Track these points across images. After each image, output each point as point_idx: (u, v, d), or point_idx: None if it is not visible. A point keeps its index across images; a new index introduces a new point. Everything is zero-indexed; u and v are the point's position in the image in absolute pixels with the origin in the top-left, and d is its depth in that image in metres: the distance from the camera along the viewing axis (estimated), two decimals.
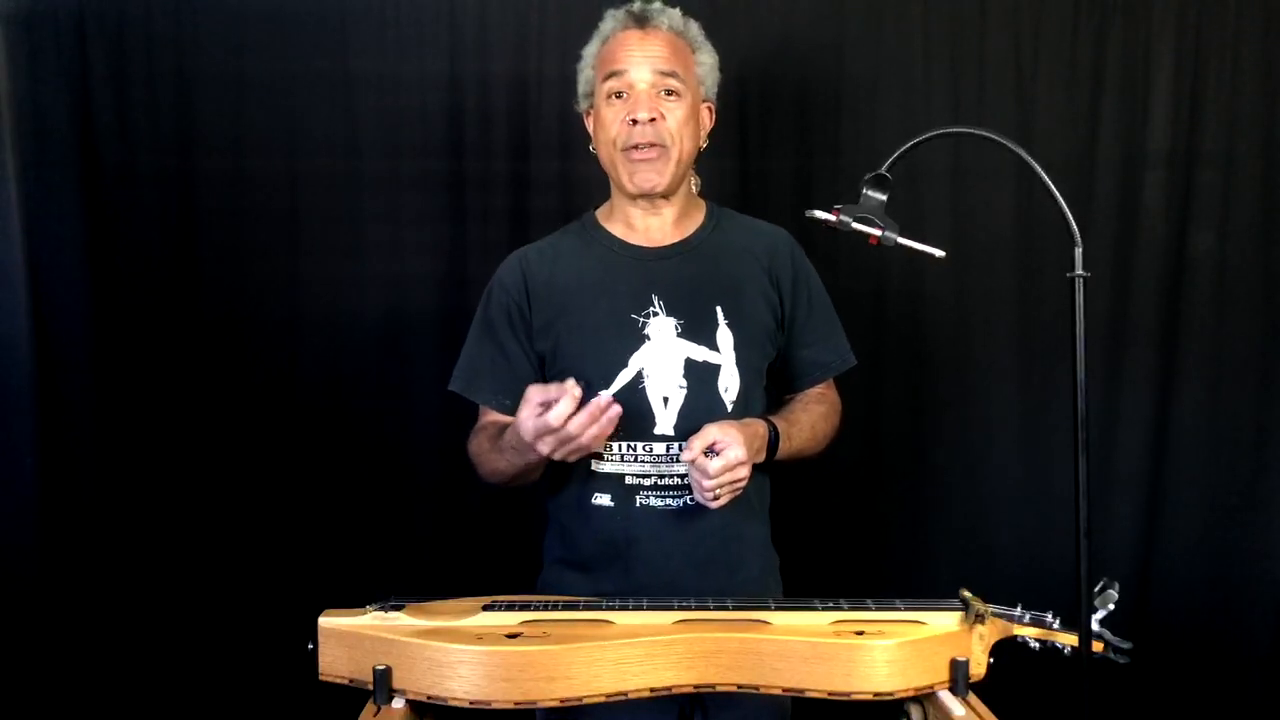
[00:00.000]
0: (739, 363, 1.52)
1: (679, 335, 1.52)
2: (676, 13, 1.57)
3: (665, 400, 1.50)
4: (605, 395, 1.35)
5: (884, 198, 1.31)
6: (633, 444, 1.50)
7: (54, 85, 2.00)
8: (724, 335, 1.53)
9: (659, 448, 1.50)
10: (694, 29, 1.58)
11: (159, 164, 2.06)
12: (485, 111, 2.12)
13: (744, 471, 1.39)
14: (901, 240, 1.31)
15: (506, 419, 1.54)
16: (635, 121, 1.50)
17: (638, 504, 1.51)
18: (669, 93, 1.52)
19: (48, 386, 2.00)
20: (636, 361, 1.50)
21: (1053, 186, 1.20)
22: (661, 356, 1.51)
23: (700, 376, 1.51)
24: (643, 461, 1.51)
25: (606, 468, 1.52)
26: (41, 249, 1.99)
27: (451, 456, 2.12)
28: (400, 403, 2.13)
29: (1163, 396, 2.20)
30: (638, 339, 1.51)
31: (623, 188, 1.56)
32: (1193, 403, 2.19)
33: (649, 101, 1.51)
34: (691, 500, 1.50)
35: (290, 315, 2.12)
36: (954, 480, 2.23)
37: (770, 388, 1.63)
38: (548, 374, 1.58)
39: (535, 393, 1.35)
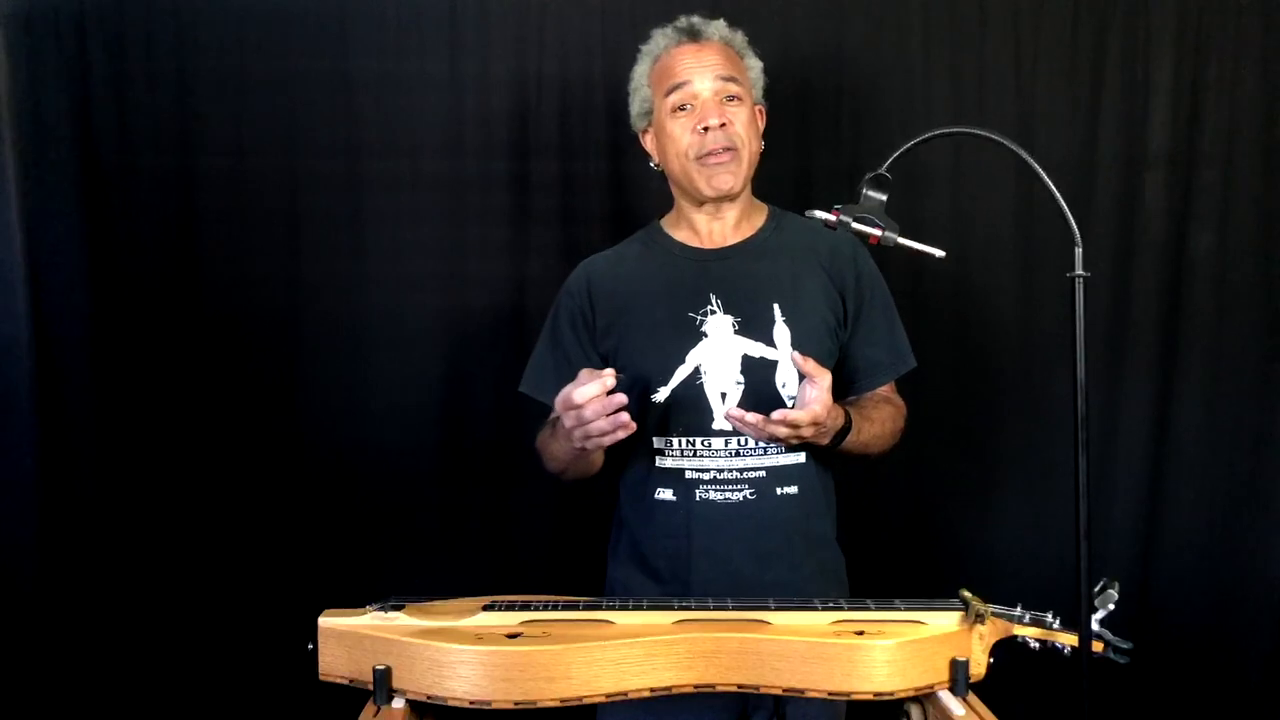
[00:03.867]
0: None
1: (736, 332, 1.56)
2: (723, 23, 1.63)
3: (723, 396, 1.54)
4: (608, 376, 1.35)
5: (884, 198, 1.31)
6: (691, 439, 1.55)
7: (54, 85, 2.00)
8: (781, 331, 1.56)
9: (717, 442, 1.54)
10: (740, 37, 1.64)
11: (159, 164, 2.06)
12: (485, 111, 2.12)
13: (809, 432, 1.41)
14: (901, 240, 1.31)
15: None
16: (706, 129, 1.55)
17: (698, 498, 1.55)
18: (731, 98, 1.58)
19: (48, 386, 2.00)
20: (694, 358, 1.55)
21: (1053, 186, 1.20)
22: (719, 353, 1.55)
23: (758, 372, 1.55)
24: (701, 456, 1.55)
25: (668, 463, 1.57)
26: (41, 249, 1.99)
27: (452, 456, 2.13)
28: (401, 402, 2.13)
29: (1163, 396, 2.20)
30: (695, 336, 1.56)
31: (698, 193, 1.60)
32: (1193, 403, 2.19)
33: (716, 108, 1.56)
34: (752, 494, 1.53)
35: (290, 315, 2.11)
36: (954, 480, 2.23)
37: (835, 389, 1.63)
38: None
39: (584, 374, 1.39)
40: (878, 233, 1.31)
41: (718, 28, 1.61)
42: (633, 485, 1.63)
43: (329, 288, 2.11)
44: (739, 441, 1.53)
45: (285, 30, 2.06)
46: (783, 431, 1.39)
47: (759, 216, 1.68)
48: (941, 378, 2.20)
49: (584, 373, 1.40)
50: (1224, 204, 2.17)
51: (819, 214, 1.31)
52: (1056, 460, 2.17)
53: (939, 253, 1.30)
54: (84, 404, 2.04)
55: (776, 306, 1.57)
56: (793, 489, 1.56)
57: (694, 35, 1.60)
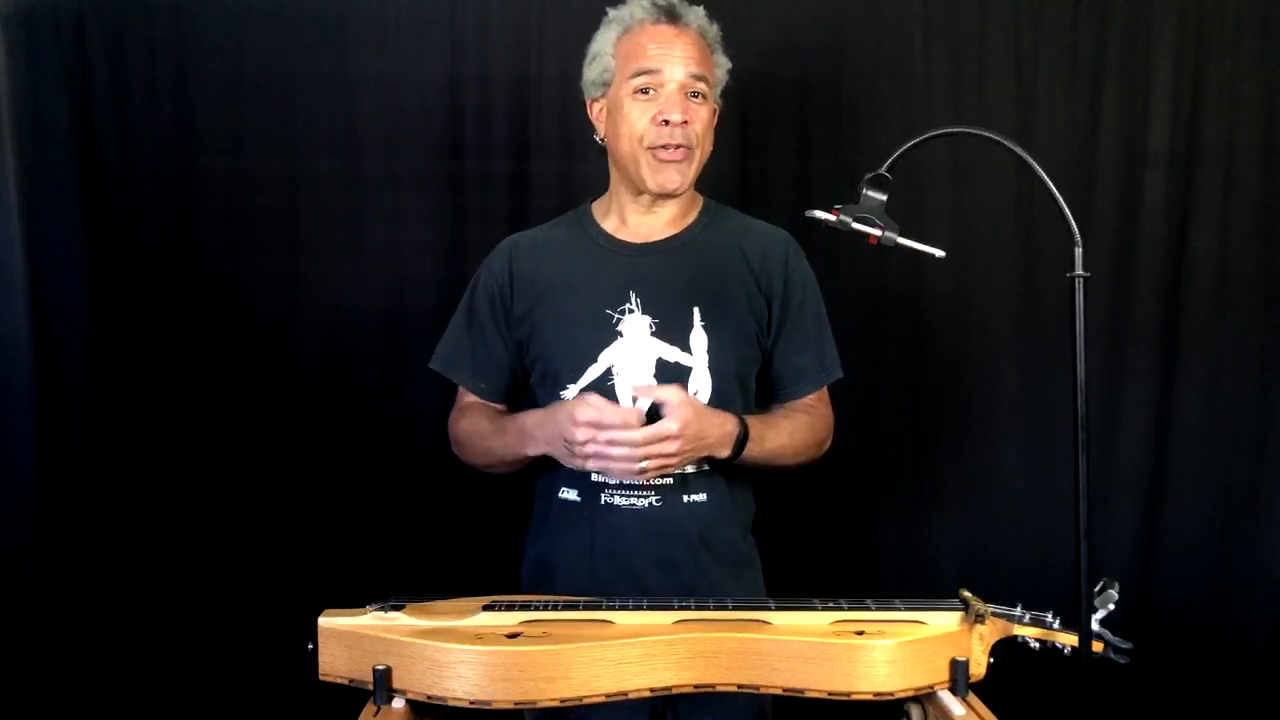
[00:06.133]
0: (712, 366, 1.50)
1: (653, 334, 1.50)
2: (702, 12, 1.55)
3: (634, 399, 1.48)
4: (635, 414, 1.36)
5: (884, 198, 1.31)
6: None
7: (54, 85, 2.00)
8: (698, 337, 1.51)
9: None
10: (715, 30, 1.57)
11: (159, 164, 2.06)
12: (485, 111, 2.12)
13: (671, 447, 1.37)
14: (901, 240, 1.31)
15: (487, 405, 1.61)
16: (667, 122, 1.48)
17: (603, 501, 1.50)
18: (696, 95, 1.51)
19: (47, 386, 2.00)
20: (607, 358, 1.50)
21: (1053, 186, 1.20)
22: (633, 354, 1.50)
23: (671, 377, 1.49)
24: None
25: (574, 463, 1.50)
26: (41, 249, 1.99)
27: (451, 456, 2.13)
28: (400, 402, 2.13)
29: (1163, 396, 2.20)
30: (610, 335, 1.51)
31: (640, 184, 1.53)
32: (1193, 403, 2.19)
33: (681, 103, 1.49)
34: (658, 500, 1.49)
35: (290, 315, 2.12)
36: (954, 480, 2.23)
37: (760, 396, 1.61)
38: (525, 360, 1.60)
39: (601, 401, 1.37)
40: (878, 233, 1.30)
41: (697, 16, 1.53)
42: (543, 483, 1.59)
43: (328, 287, 2.11)
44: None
45: (285, 30, 2.07)
46: (647, 461, 1.37)
47: (693, 212, 1.60)
48: (941, 377, 2.20)
49: (600, 399, 1.37)
50: (1224, 204, 2.17)
51: (819, 214, 1.31)
52: (1056, 459, 2.18)
53: (939, 253, 1.30)
54: (84, 404, 2.04)
55: (697, 310, 1.51)
56: (701, 496, 1.51)
57: (672, 18, 1.51)
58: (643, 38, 1.52)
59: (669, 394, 1.39)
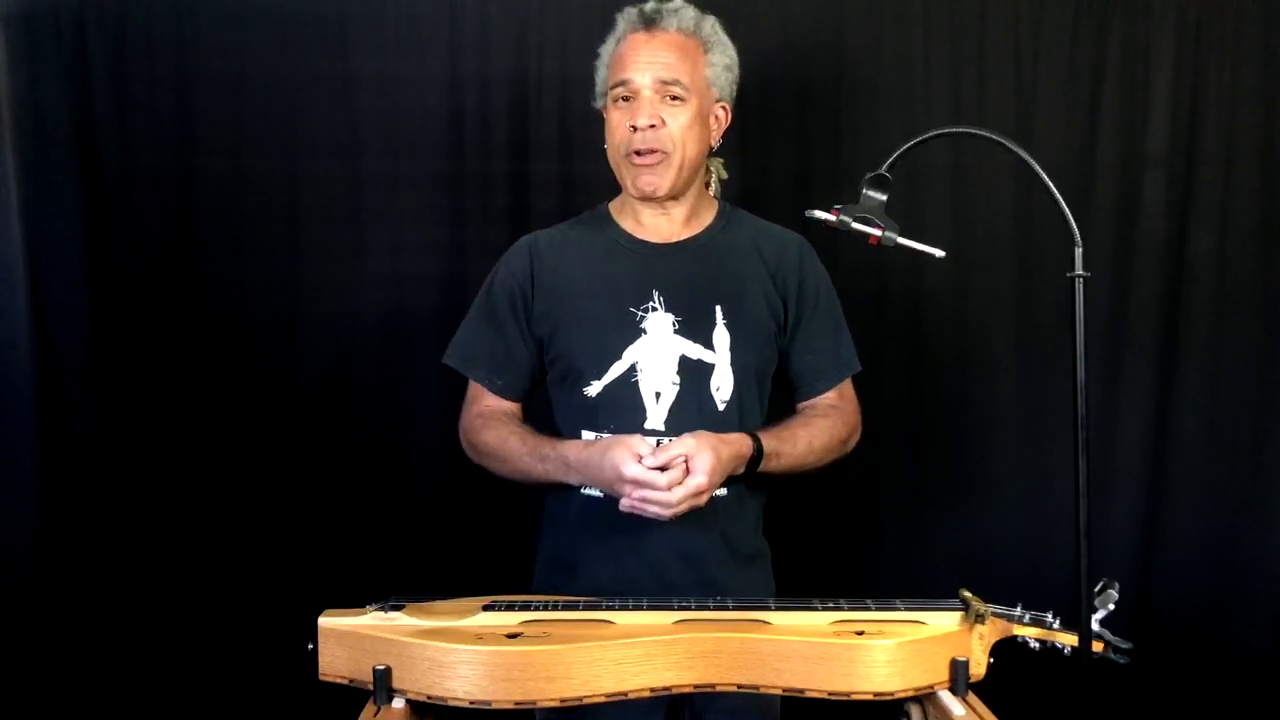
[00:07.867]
0: (733, 363, 1.53)
1: (676, 332, 1.53)
2: (689, 11, 1.56)
3: (657, 395, 1.51)
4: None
5: (884, 198, 1.31)
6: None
7: (54, 85, 2.00)
8: (720, 335, 1.53)
9: (649, 442, 1.50)
10: (707, 28, 1.57)
11: (159, 164, 2.06)
12: (485, 111, 2.12)
13: (703, 498, 1.40)
14: (901, 240, 1.31)
15: (501, 404, 1.60)
16: (635, 128, 1.51)
17: None
18: (672, 98, 1.52)
19: (48, 386, 2.00)
20: (631, 355, 1.52)
21: (1053, 186, 1.20)
22: (656, 352, 1.52)
23: (694, 374, 1.52)
24: None
25: None
26: (41, 249, 1.99)
27: (452, 457, 2.12)
28: (400, 403, 2.13)
29: (1163, 396, 2.20)
30: (634, 332, 1.52)
31: (626, 190, 1.58)
32: (1193, 403, 2.19)
33: (650, 108, 1.51)
34: None
35: (290, 315, 2.12)
36: (954, 480, 2.23)
37: (778, 394, 1.62)
38: (545, 358, 1.60)
39: (642, 446, 1.38)
40: (878, 233, 1.30)
41: (679, 17, 1.54)
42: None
43: (328, 287, 2.11)
44: (669, 442, 1.46)
45: (285, 30, 2.07)
46: (663, 510, 1.38)
47: (709, 213, 1.63)
48: (941, 377, 2.21)
49: (641, 444, 1.39)
50: (1224, 204, 2.17)
51: (819, 214, 1.31)
52: (1056, 460, 2.18)
53: (939, 253, 1.30)
54: (84, 404, 2.04)
55: (719, 309, 1.54)
56: (722, 491, 1.51)
57: (649, 24, 1.53)
58: (623, 47, 1.55)
59: (685, 447, 1.39)
